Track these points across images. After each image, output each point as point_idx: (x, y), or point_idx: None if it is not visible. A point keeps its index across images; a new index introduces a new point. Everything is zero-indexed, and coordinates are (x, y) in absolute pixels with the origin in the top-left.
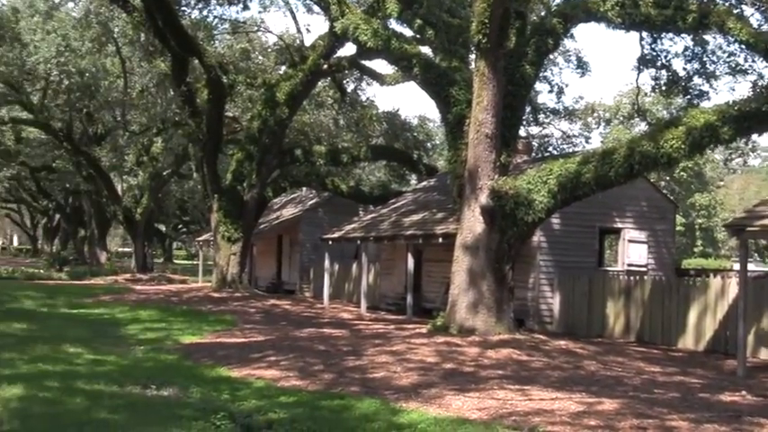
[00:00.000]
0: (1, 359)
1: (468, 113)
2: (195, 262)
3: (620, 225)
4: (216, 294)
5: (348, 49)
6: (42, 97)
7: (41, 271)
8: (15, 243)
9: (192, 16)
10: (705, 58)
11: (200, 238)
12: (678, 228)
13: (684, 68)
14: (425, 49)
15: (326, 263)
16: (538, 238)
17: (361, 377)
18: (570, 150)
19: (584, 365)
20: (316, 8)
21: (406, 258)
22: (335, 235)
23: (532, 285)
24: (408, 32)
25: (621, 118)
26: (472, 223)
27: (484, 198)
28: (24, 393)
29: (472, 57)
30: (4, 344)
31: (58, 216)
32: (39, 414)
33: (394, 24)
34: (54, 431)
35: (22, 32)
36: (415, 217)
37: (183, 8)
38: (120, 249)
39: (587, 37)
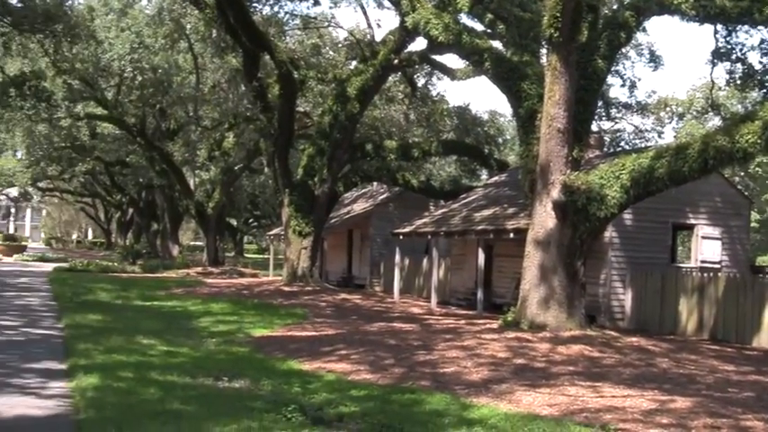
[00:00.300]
0: (77, 350)
1: (540, 108)
2: (266, 256)
3: (693, 221)
4: (287, 288)
5: (419, 44)
6: (116, 93)
7: (115, 264)
8: (90, 237)
9: (264, 12)
10: None
11: (270, 233)
12: (753, 224)
13: (761, 62)
14: (496, 44)
15: (397, 257)
16: (610, 233)
17: (432, 372)
18: (643, 145)
19: (656, 363)
20: (386, 3)
21: (476, 253)
22: (406, 230)
23: (604, 281)
24: (479, 27)
25: (695, 112)
26: (544, 218)
27: (556, 193)
28: (100, 383)
29: (543, 51)
30: (80, 335)
31: (131, 210)
32: (114, 403)
33: (465, 19)
34: (128, 421)
35: (97, 30)
36: (486, 212)
37: (255, 4)
38: (192, 243)
39: (660, 30)
